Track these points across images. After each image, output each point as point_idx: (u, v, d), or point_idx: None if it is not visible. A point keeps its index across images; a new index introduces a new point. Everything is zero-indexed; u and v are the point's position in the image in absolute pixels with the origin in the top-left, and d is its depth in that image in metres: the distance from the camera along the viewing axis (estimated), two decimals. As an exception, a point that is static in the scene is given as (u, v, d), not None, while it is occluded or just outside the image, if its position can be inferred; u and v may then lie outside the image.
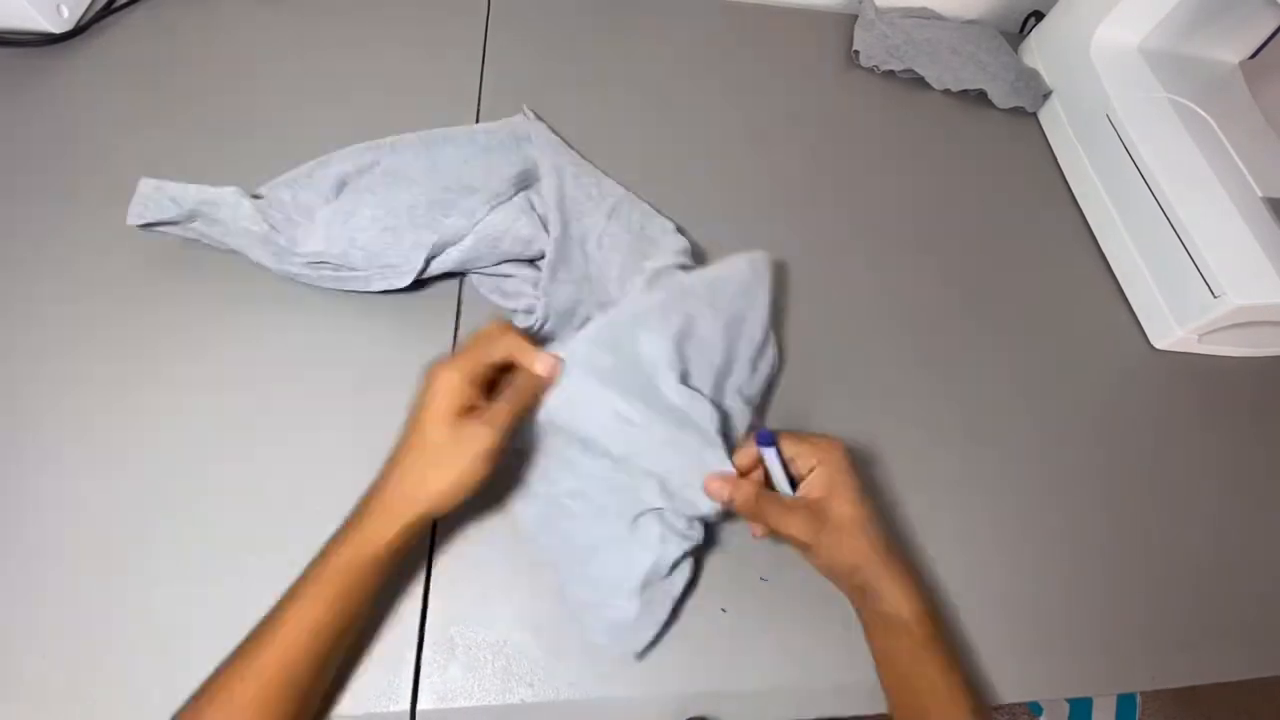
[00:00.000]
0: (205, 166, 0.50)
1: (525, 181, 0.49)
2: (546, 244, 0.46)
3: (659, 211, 0.52)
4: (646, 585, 0.38)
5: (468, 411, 0.35)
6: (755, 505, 0.38)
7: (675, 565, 0.39)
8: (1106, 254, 0.61)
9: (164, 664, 0.35)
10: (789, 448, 0.39)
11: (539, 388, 0.38)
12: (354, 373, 0.44)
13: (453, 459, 0.34)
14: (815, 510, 0.38)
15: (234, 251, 0.45)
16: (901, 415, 0.50)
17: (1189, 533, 0.50)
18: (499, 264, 0.48)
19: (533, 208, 0.48)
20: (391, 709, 0.36)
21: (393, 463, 0.35)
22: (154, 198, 0.42)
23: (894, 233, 0.59)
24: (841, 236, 0.58)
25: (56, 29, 0.52)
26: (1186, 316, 0.55)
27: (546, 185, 0.48)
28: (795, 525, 0.37)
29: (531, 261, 0.48)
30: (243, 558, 0.38)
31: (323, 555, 0.34)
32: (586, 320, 0.45)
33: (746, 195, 0.58)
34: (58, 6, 0.52)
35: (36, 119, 0.50)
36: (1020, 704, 1.07)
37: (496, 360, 0.37)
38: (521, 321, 0.46)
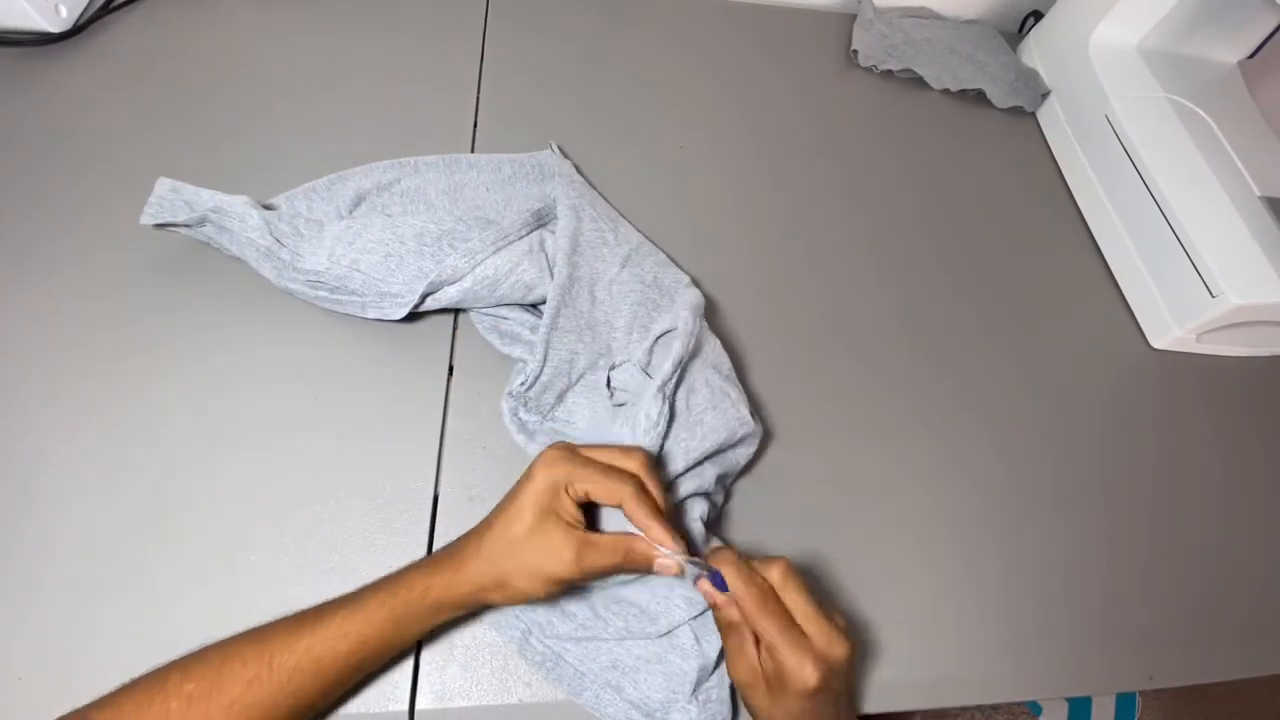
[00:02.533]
0: (205, 165, 0.50)
1: (543, 219, 0.48)
2: (549, 290, 0.44)
3: (673, 260, 0.51)
4: (699, 687, 0.37)
5: (558, 512, 0.33)
6: (730, 630, 0.34)
7: (719, 657, 0.38)
8: (1105, 253, 0.61)
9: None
10: (760, 623, 0.33)
11: (645, 565, 0.34)
12: (341, 392, 0.44)
13: (531, 555, 0.33)
14: (765, 684, 0.33)
15: (238, 258, 0.44)
16: (899, 414, 0.50)
17: (1188, 532, 0.50)
18: (498, 306, 0.46)
19: (543, 249, 0.46)
20: (390, 709, 0.36)
21: (476, 528, 0.35)
22: (169, 199, 0.42)
23: (892, 232, 0.59)
24: (840, 236, 0.58)
25: (55, 28, 0.52)
26: (1185, 316, 0.55)
27: (562, 225, 0.47)
28: (746, 680, 0.33)
29: (534, 306, 0.47)
30: (235, 561, 0.38)
31: (384, 583, 0.34)
32: (584, 373, 0.44)
33: (745, 194, 0.58)
34: (56, 6, 0.52)
35: (35, 118, 0.50)
36: (1020, 703, 1.08)
37: (604, 497, 0.34)
38: (518, 369, 0.45)
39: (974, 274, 0.58)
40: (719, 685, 0.38)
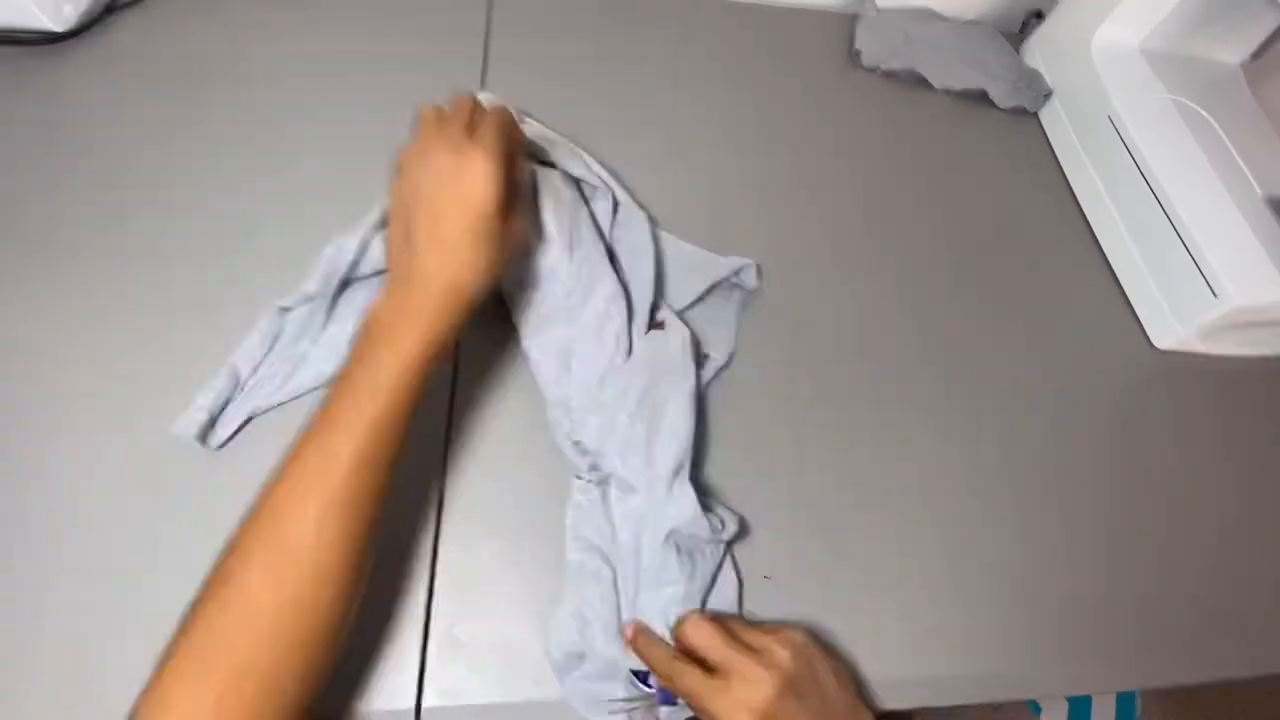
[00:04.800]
0: (206, 164, 0.50)
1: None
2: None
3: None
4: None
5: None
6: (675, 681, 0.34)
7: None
8: (1107, 254, 0.62)
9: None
10: (686, 686, 0.33)
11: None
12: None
13: (499, 250, 0.34)
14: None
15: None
16: (899, 414, 0.50)
17: (1189, 532, 0.50)
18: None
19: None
20: (396, 706, 0.36)
21: (417, 261, 0.33)
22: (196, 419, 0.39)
23: (893, 232, 0.59)
24: (841, 236, 0.58)
25: (59, 27, 0.52)
26: (1188, 316, 0.55)
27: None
28: (690, 688, 0.33)
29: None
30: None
31: (357, 373, 0.32)
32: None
33: (746, 194, 0.58)
34: (59, 5, 0.52)
35: (37, 117, 0.50)
36: (1020, 703, 1.08)
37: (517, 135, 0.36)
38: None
39: (975, 274, 0.58)
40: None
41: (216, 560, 0.30)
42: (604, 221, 0.48)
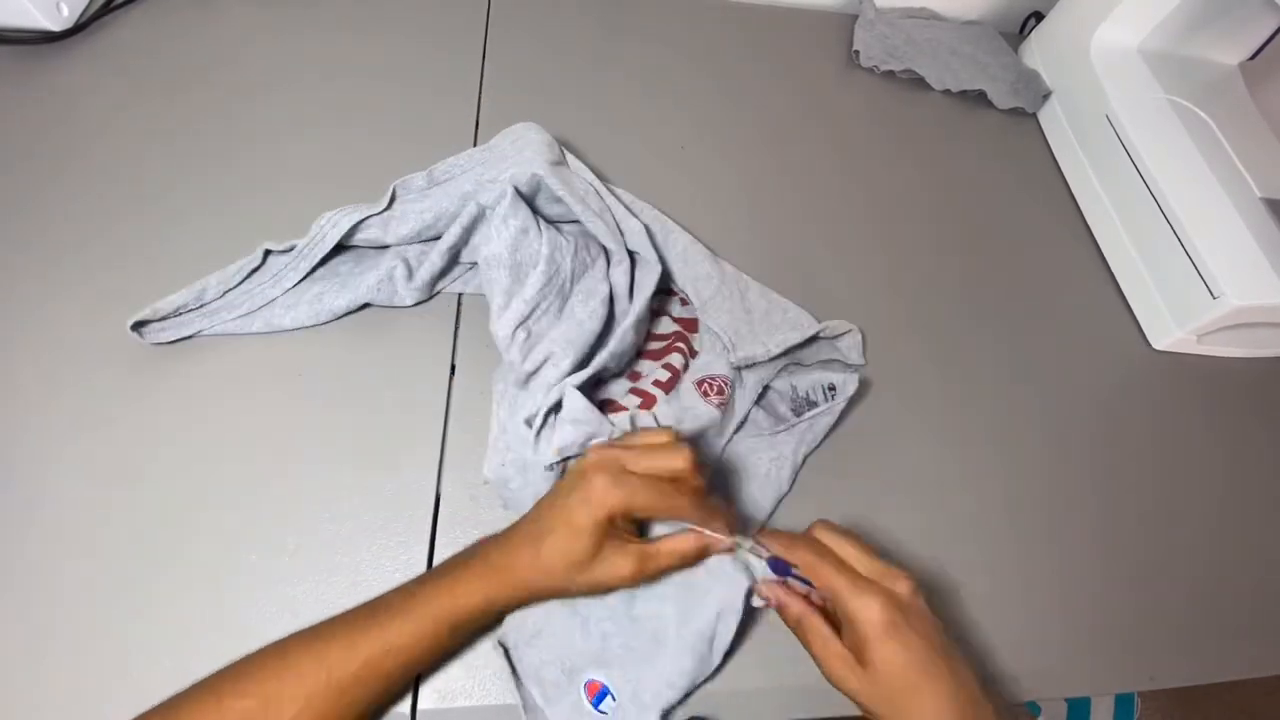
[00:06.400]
0: (205, 164, 0.50)
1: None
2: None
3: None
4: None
5: (617, 534, 0.34)
6: (800, 627, 0.35)
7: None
8: (1106, 254, 0.62)
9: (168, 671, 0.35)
10: (820, 582, 0.34)
11: (701, 557, 0.36)
12: (343, 391, 0.44)
13: (591, 573, 0.34)
14: (854, 663, 0.32)
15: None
16: (898, 415, 0.50)
17: (1188, 533, 0.50)
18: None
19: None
20: (393, 709, 0.36)
21: (529, 534, 0.35)
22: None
23: (893, 233, 0.59)
24: (840, 236, 0.58)
25: (56, 27, 0.52)
26: (1185, 317, 0.55)
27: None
28: (834, 668, 0.33)
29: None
30: (237, 561, 0.38)
31: (434, 585, 0.34)
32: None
33: (745, 194, 0.58)
34: (57, 4, 0.52)
35: (35, 116, 0.50)
36: (1018, 704, 1.08)
37: (666, 517, 0.35)
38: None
39: (974, 275, 0.58)
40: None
41: (201, 683, 0.30)
42: (620, 287, 0.46)
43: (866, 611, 0.32)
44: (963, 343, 0.54)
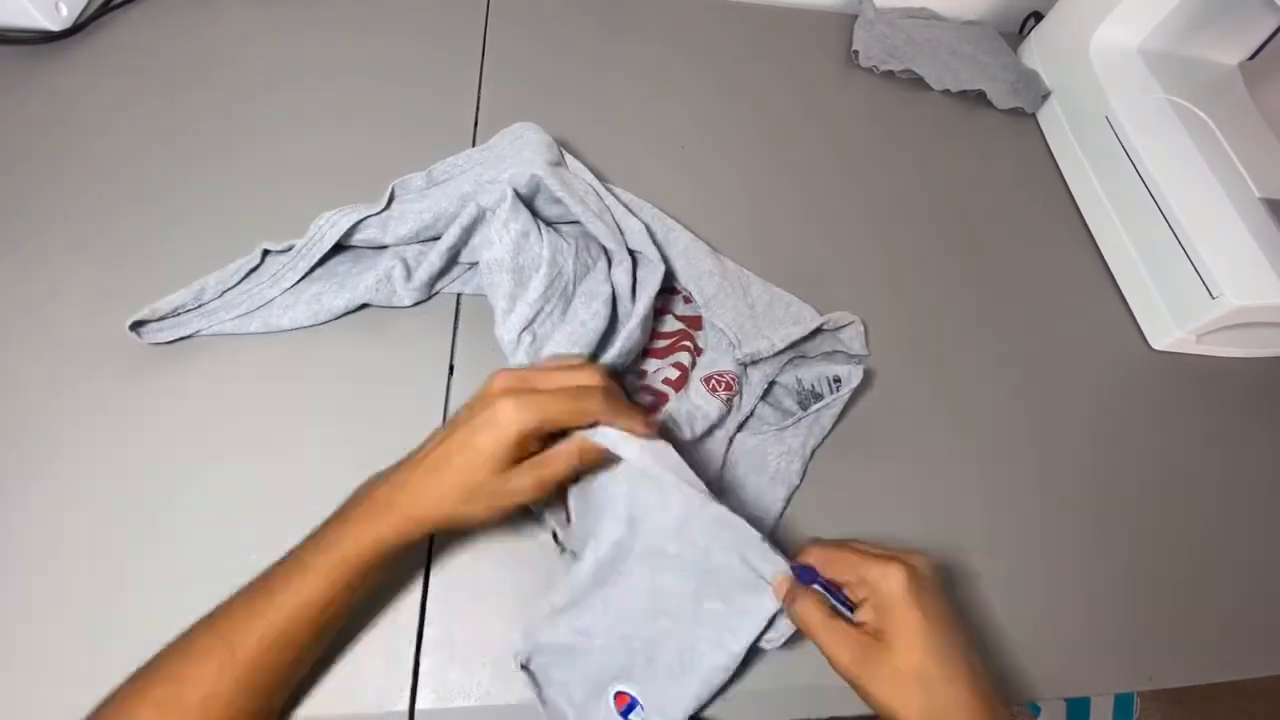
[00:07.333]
0: (204, 164, 0.50)
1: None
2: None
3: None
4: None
5: (520, 455, 0.33)
6: (807, 623, 0.33)
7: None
8: (1105, 255, 0.62)
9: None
10: (840, 570, 0.34)
11: (599, 454, 0.34)
12: (341, 391, 0.44)
13: (489, 497, 0.33)
14: (868, 644, 0.32)
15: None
16: (897, 415, 0.50)
17: (1187, 533, 0.50)
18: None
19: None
20: (390, 708, 0.36)
21: (423, 465, 0.33)
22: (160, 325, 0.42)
23: (892, 233, 0.59)
24: (841, 236, 0.58)
25: (55, 26, 0.52)
26: (1185, 317, 0.55)
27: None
28: (839, 653, 0.32)
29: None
30: (236, 562, 0.38)
31: (324, 538, 0.33)
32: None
33: (745, 194, 0.58)
34: (56, 4, 0.52)
35: (34, 116, 0.50)
36: (1018, 704, 1.08)
37: (578, 422, 0.33)
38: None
39: (973, 275, 0.58)
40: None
41: (124, 681, 0.31)
42: (622, 287, 0.46)
43: (891, 576, 0.31)
44: (962, 342, 0.54)
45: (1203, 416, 0.55)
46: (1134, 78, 0.63)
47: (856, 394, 0.47)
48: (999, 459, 0.50)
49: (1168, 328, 0.56)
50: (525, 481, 0.33)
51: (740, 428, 0.46)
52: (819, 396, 0.47)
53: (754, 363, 0.47)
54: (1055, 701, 1.15)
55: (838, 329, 0.49)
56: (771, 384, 0.48)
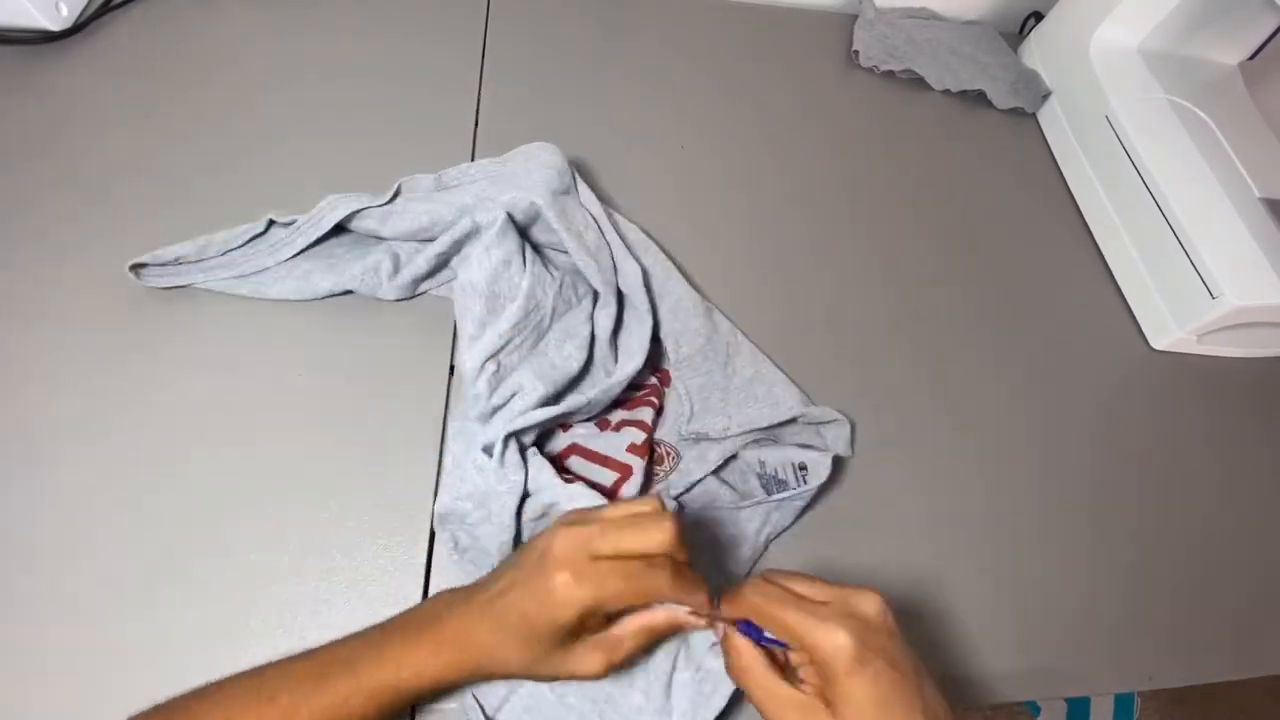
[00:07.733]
0: (204, 164, 0.50)
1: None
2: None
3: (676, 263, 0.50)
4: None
5: (584, 632, 0.31)
6: (745, 685, 0.31)
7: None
8: (1105, 254, 0.62)
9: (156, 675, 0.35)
10: (779, 633, 0.30)
11: (672, 630, 0.32)
12: (342, 392, 0.44)
13: (554, 666, 0.31)
14: (813, 708, 0.29)
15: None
16: (897, 415, 0.50)
17: (1187, 532, 0.50)
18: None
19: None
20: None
21: (490, 614, 0.31)
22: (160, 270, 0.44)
23: (892, 232, 0.59)
24: (841, 236, 0.58)
25: (55, 26, 0.52)
26: (1185, 317, 0.55)
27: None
28: (782, 713, 0.29)
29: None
30: (235, 562, 0.38)
31: (386, 650, 0.31)
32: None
33: (745, 194, 0.58)
34: (56, 4, 0.52)
35: (35, 116, 0.50)
36: (1018, 703, 1.08)
37: (642, 602, 0.31)
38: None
39: (974, 275, 0.58)
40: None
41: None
42: (603, 331, 0.45)
43: (831, 642, 0.28)
44: (962, 342, 0.54)
45: (1203, 416, 0.55)
46: (1134, 78, 0.63)
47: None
48: (999, 459, 0.50)
49: (1168, 328, 0.56)
50: (594, 665, 0.31)
51: (677, 497, 0.43)
52: (782, 484, 0.43)
53: (700, 440, 0.45)
54: (1055, 701, 1.16)
55: (819, 424, 0.45)
56: (731, 458, 0.45)
